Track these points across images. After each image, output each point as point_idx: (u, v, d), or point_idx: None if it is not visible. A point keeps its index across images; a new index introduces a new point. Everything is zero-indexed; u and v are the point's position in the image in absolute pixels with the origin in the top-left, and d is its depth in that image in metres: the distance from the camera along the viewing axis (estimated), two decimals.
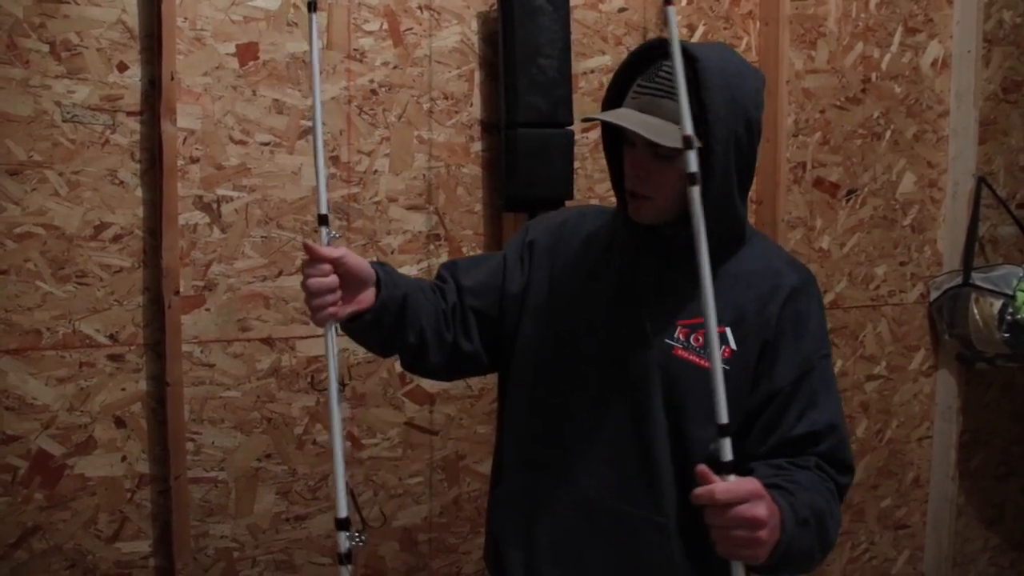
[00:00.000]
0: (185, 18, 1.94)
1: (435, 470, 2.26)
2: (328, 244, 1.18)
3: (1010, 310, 2.60)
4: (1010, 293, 2.62)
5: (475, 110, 2.24)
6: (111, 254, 1.93)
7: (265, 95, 2.03)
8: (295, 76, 2.05)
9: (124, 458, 1.96)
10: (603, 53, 2.37)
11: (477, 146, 2.25)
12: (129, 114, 1.92)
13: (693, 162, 1.06)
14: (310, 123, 2.05)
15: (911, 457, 2.90)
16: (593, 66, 2.36)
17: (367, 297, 1.21)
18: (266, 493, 2.09)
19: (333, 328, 1.18)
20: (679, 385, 1.21)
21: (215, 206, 2.00)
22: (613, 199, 1.34)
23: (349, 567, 1.14)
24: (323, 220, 1.21)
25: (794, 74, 2.58)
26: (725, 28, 2.52)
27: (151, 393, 1.97)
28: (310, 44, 1.22)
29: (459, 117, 2.23)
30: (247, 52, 2.01)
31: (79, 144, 1.89)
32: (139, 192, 1.94)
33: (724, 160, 1.16)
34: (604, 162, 2.39)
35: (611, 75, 1.27)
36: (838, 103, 2.67)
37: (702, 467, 1.04)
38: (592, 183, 2.38)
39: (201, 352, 2.00)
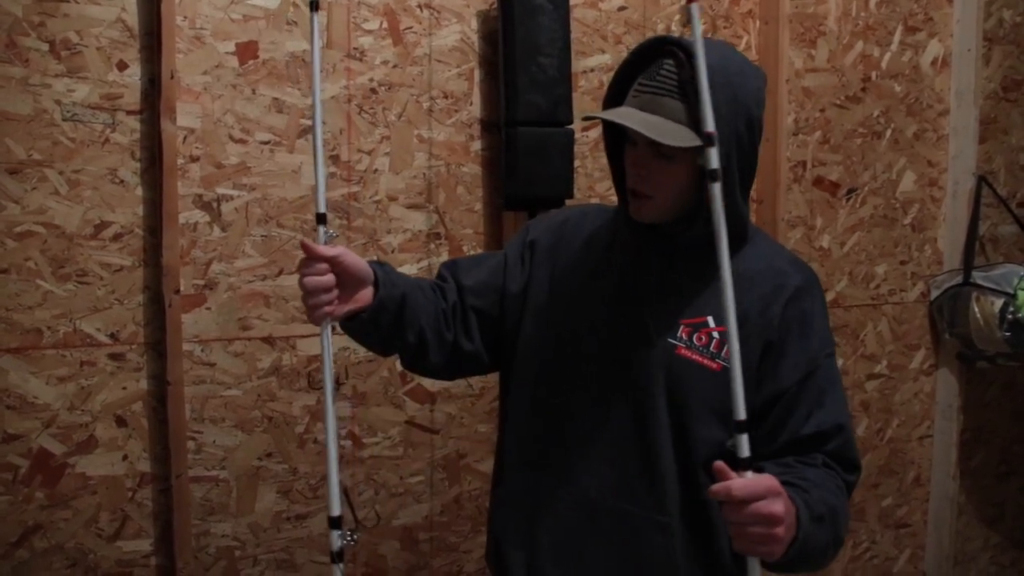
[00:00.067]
0: (185, 17, 1.94)
1: (436, 469, 2.26)
2: (326, 243, 1.18)
3: (1011, 309, 2.60)
4: (1011, 292, 2.62)
5: (475, 109, 2.24)
6: (111, 253, 1.93)
7: (265, 94, 2.03)
8: (295, 75, 2.05)
9: (125, 457, 1.96)
10: (603, 52, 2.37)
11: (477, 145, 2.25)
12: (129, 113, 1.92)
13: (714, 159, 1.06)
14: (310, 122, 2.05)
15: (912, 456, 2.90)
16: (593, 65, 2.36)
17: (365, 296, 1.21)
18: (267, 492, 2.09)
19: (329, 327, 1.18)
20: (682, 384, 1.21)
21: (215, 205, 2.00)
22: (614, 198, 1.34)
23: (341, 565, 1.15)
24: (321, 219, 1.21)
25: (794, 73, 2.58)
26: (725, 27, 2.52)
27: (152, 392, 1.97)
28: (311, 44, 1.22)
29: (459, 116, 2.23)
30: (247, 51, 2.01)
31: (79, 143, 1.89)
32: (139, 191, 1.94)
33: (725, 159, 1.16)
34: (604, 161, 2.39)
35: (611, 74, 1.27)
36: (838, 102, 2.67)
37: (720, 463, 1.04)
38: (592, 182, 2.38)
39: (202, 351, 2.00)
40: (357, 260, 1.19)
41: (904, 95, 2.76)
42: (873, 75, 2.71)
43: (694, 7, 1.09)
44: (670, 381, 1.21)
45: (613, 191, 1.32)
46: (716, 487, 1.03)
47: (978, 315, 2.66)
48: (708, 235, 1.21)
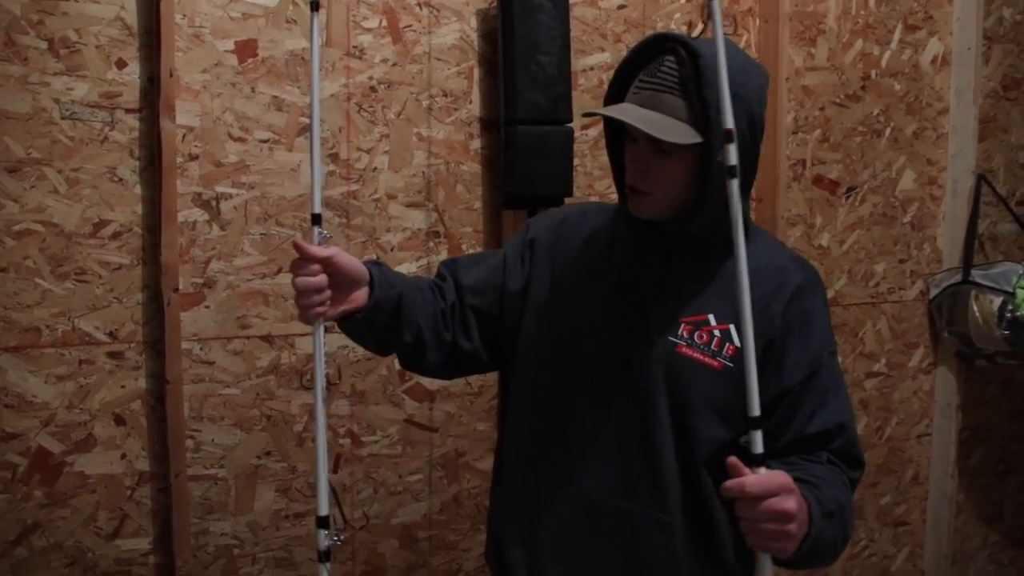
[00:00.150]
0: (184, 15, 1.94)
1: (435, 467, 2.26)
2: (320, 244, 1.18)
3: (1010, 307, 2.60)
4: (1010, 290, 2.62)
5: (474, 107, 2.24)
6: (110, 251, 1.93)
7: (264, 92, 2.03)
8: (294, 73, 2.05)
9: (124, 455, 1.96)
10: (602, 50, 2.36)
11: (476, 143, 2.25)
12: (128, 111, 1.92)
13: (733, 155, 1.06)
14: (309, 120, 2.04)
15: (910, 454, 2.90)
16: (593, 63, 2.36)
17: (359, 297, 1.21)
18: (266, 490, 2.09)
19: (321, 328, 1.19)
20: (683, 383, 1.21)
21: (214, 203, 2.00)
22: (613, 196, 1.34)
23: (328, 565, 1.16)
24: (316, 220, 1.21)
25: (794, 71, 2.58)
26: (725, 25, 2.52)
27: (151, 391, 1.97)
28: (311, 44, 1.22)
29: (458, 114, 2.23)
30: (246, 49, 2.01)
31: (78, 141, 1.88)
32: (138, 189, 1.94)
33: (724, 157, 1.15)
34: (604, 159, 2.38)
35: (611, 72, 1.27)
36: (838, 100, 2.66)
37: (733, 459, 1.04)
38: (592, 180, 2.38)
39: (201, 349, 2.00)
40: (351, 261, 1.19)
41: (904, 93, 2.76)
42: (873, 73, 2.70)
43: (715, 2, 1.09)
44: (671, 380, 1.21)
45: (612, 189, 1.32)
46: (729, 483, 1.03)
47: (977, 313, 2.66)
48: (708, 233, 1.22)
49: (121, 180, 1.93)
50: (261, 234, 2.05)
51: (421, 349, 1.29)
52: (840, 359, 2.66)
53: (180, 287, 1.95)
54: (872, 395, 2.81)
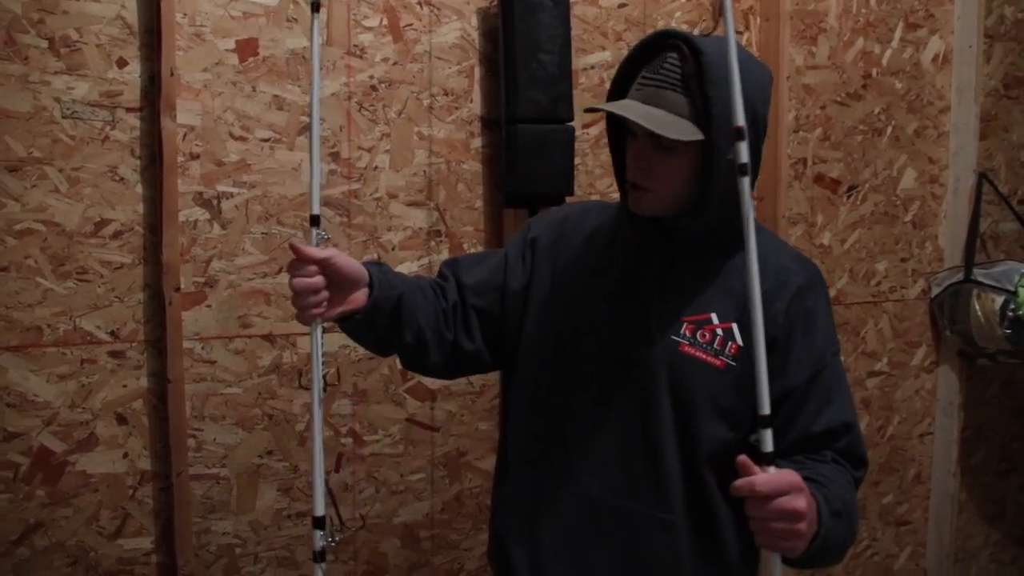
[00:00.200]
0: (184, 14, 1.94)
1: (436, 466, 2.26)
2: (317, 245, 1.18)
3: (1012, 306, 2.59)
4: (1011, 289, 2.61)
5: (475, 106, 2.24)
6: (112, 251, 1.93)
7: (265, 91, 2.03)
8: (295, 72, 2.05)
9: (126, 455, 1.96)
10: (603, 49, 2.36)
11: (477, 142, 2.25)
12: (129, 110, 1.92)
13: (744, 153, 1.05)
14: (309, 120, 2.04)
15: (912, 453, 2.90)
16: (593, 62, 2.35)
17: (358, 298, 1.21)
18: (268, 489, 2.09)
19: (319, 328, 1.19)
20: (686, 382, 1.21)
21: (215, 202, 2.00)
22: (614, 195, 1.34)
23: (323, 565, 1.17)
24: (315, 221, 1.21)
25: (795, 70, 2.58)
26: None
27: (152, 390, 1.97)
28: (311, 45, 1.22)
29: (459, 113, 2.23)
30: (247, 48, 2.01)
31: (79, 140, 1.88)
32: (139, 188, 1.94)
33: (726, 156, 1.15)
34: (604, 158, 2.39)
35: (611, 71, 1.27)
36: (839, 99, 2.66)
37: (743, 458, 1.04)
38: (593, 179, 2.38)
39: (202, 349, 2.00)
40: (350, 262, 1.19)
41: (905, 92, 2.76)
42: (874, 72, 2.70)
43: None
44: (673, 379, 1.21)
45: (613, 188, 1.33)
46: (739, 482, 1.02)
47: (979, 312, 2.66)
48: (710, 231, 1.21)
49: (122, 179, 1.93)
50: (262, 233, 2.05)
51: (422, 349, 1.29)
52: (842, 358, 2.70)
53: (181, 286, 1.95)
54: (874, 394, 2.81)
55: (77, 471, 1.92)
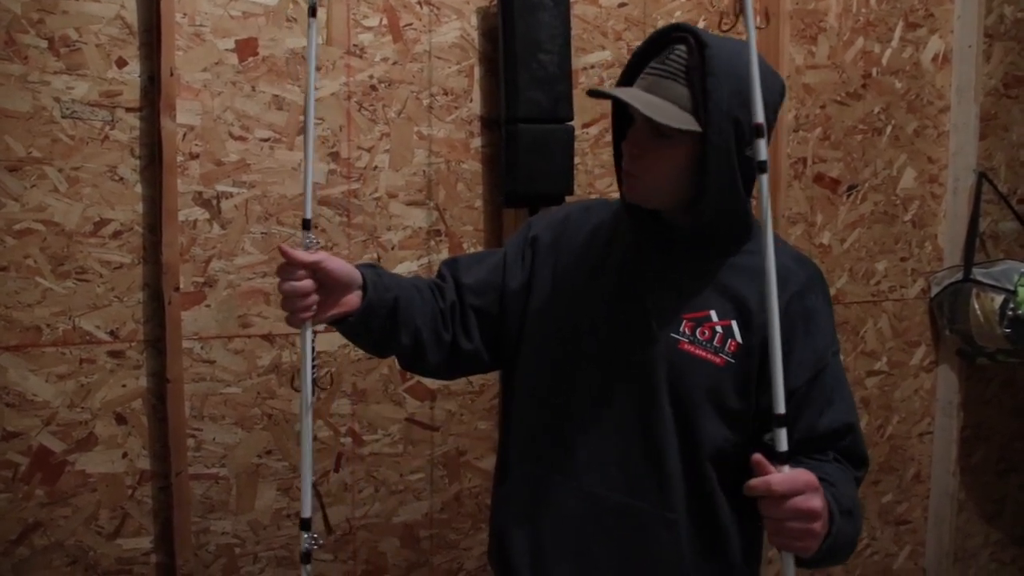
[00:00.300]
0: (184, 14, 1.94)
1: (436, 466, 2.26)
2: (307, 249, 1.18)
3: (1011, 306, 2.59)
4: (1011, 289, 2.61)
5: (475, 106, 2.24)
6: (111, 250, 1.93)
7: (264, 91, 2.03)
8: (294, 72, 2.05)
9: (125, 455, 1.96)
10: (603, 48, 2.36)
11: (477, 142, 2.25)
12: (128, 110, 1.92)
13: (762, 150, 1.05)
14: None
15: (912, 453, 2.90)
16: (593, 61, 2.35)
17: (351, 301, 1.21)
18: (267, 489, 2.09)
19: (309, 332, 1.19)
20: (686, 379, 1.20)
21: (215, 202, 2.00)
22: (614, 195, 1.33)
23: (309, 567, 1.18)
24: (306, 225, 1.21)
25: (794, 69, 2.58)
26: (726, 24, 2.52)
27: (151, 389, 1.97)
28: (309, 47, 1.21)
29: (459, 113, 2.23)
30: (246, 48, 2.00)
31: (78, 140, 1.88)
32: (139, 188, 1.94)
33: (723, 150, 1.15)
34: (604, 157, 2.39)
35: (612, 70, 1.27)
36: (838, 98, 2.66)
37: (758, 456, 1.03)
38: (592, 179, 2.38)
39: (201, 348, 2.00)
40: (341, 265, 1.19)
41: (905, 91, 2.75)
42: (874, 71, 2.70)
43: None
44: (673, 376, 1.21)
45: (613, 187, 1.32)
46: (755, 482, 1.02)
47: (978, 312, 2.66)
48: (709, 227, 1.21)
49: (122, 179, 1.93)
50: (262, 233, 2.05)
51: (420, 350, 1.29)
52: (842, 357, 2.70)
53: (181, 286, 1.95)
54: (873, 393, 2.81)
55: (76, 471, 1.92)
